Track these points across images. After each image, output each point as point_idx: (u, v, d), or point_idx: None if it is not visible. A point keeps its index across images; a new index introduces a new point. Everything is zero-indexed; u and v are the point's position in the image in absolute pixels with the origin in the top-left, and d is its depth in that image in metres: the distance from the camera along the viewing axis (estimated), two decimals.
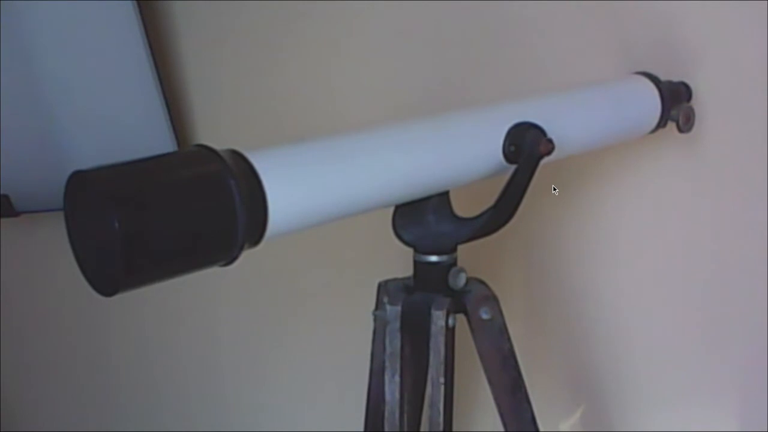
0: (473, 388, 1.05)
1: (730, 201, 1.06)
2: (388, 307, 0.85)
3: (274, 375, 1.53)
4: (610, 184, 1.14)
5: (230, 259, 0.66)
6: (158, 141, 1.37)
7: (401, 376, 0.85)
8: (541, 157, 0.81)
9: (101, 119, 1.41)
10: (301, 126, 1.31)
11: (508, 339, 0.86)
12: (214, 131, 1.45)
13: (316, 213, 0.72)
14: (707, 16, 1.02)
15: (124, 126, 1.40)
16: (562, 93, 0.92)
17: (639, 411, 1.18)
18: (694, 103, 1.01)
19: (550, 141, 0.81)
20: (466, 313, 0.85)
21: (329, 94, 1.35)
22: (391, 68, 1.28)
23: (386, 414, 0.85)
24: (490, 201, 0.82)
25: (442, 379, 0.82)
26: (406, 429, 0.86)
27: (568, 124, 0.87)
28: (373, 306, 0.89)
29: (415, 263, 0.86)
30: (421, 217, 0.84)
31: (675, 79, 1.00)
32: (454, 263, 0.85)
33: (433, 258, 0.84)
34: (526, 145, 0.81)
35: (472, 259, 0.88)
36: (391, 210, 0.84)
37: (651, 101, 0.97)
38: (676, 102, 0.98)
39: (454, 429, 0.86)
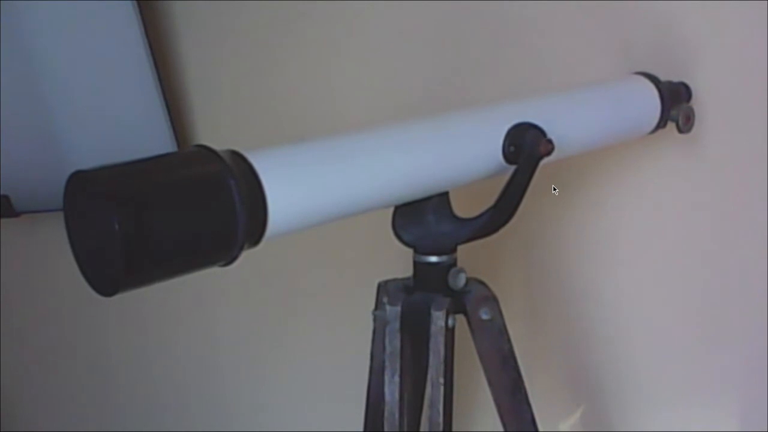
0: (473, 388, 1.05)
1: (730, 201, 1.06)
2: (387, 307, 0.85)
3: (274, 375, 1.53)
4: (610, 184, 1.14)
5: (230, 259, 0.66)
6: (158, 141, 1.37)
7: (401, 377, 0.84)
8: (541, 157, 0.81)
9: (101, 119, 1.41)
10: (301, 126, 1.31)
11: (508, 339, 0.86)
12: (213, 131, 1.45)
13: (316, 213, 0.72)
14: (707, 16, 1.02)
15: (124, 126, 1.40)
16: (562, 93, 0.92)
17: (639, 411, 1.18)
18: (694, 103, 1.01)
19: (550, 141, 0.81)
20: (465, 314, 0.85)
21: (329, 94, 1.35)
22: (391, 68, 1.28)
23: (386, 414, 0.85)
24: (489, 201, 0.82)
25: (441, 380, 0.82)
26: (405, 429, 0.86)
27: (568, 124, 0.87)
28: (372, 306, 0.89)
29: (415, 263, 0.86)
30: (421, 218, 0.84)
31: (675, 79, 1.00)
32: (453, 263, 0.85)
33: (433, 258, 0.84)
34: (526, 146, 0.81)
35: (472, 259, 0.88)
36: (391, 210, 0.84)
37: (651, 101, 0.97)
38: (675, 102, 0.98)
39: (453, 429, 0.86)
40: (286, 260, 1.39)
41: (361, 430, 0.94)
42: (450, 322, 0.82)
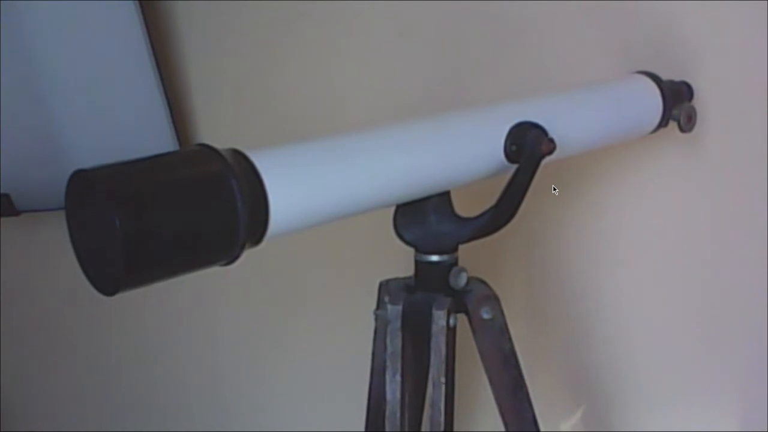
0: (474, 387, 1.05)
1: (730, 201, 1.06)
2: (389, 306, 0.85)
3: (274, 375, 1.53)
4: (611, 184, 1.14)
5: (231, 259, 0.66)
6: (160, 140, 1.37)
7: (402, 376, 0.85)
8: (543, 156, 0.81)
9: (103, 119, 1.41)
10: (301, 126, 1.31)
11: (509, 339, 0.86)
12: (215, 131, 1.45)
13: (318, 212, 0.72)
14: (708, 15, 1.02)
15: (125, 125, 1.40)
16: (563, 93, 0.92)
17: (639, 411, 1.18)
18: (696, 102, 1.01)
19: (552, 141, 0.81)
20: (467, 313, 0.85)
21: (329, 94, 1.35)
22: (391, 68, 1.28)
23: (387, 414, 0.85)
24: (491, 201, 0.82)
25: (443, 379, 0.82)
26: (407, 429, 0.86)
27: (569, 123, 0.87)
28: (373, 305, 0.89)
29: (416, 263, 0.86)
30: (422, 217, 0.84)
31: (676, 78, 1.00)
32: (455, 263, 0.85)
33: (434, 258, 0.84)
34: (528, 145, 0.81)
35: (473, 258, 0.88)
36: (392, 210, 0.84)
37: (652, 101, 0.97)
38: (677, 101, 0.98)
39: (455, 429, 0.86)
40: (287, 260, 1.39)
41: (363, 429, 0.94)
42: (451, 321, 0.82)
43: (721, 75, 1.02)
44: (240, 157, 0.66)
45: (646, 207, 1.12)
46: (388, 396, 0.85)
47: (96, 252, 0.61)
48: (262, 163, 0.66)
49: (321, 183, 0.72)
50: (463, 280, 0.85)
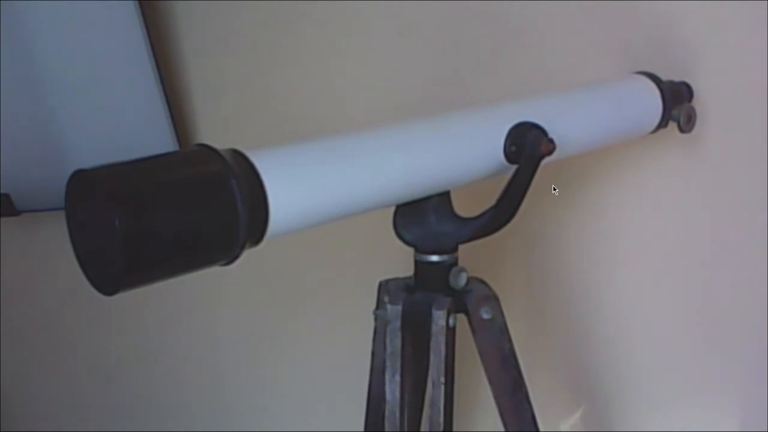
0: (474, 387, 1.05)
1: (730, 201, 1.06)
2: (388, 306, 0.85)
3: (274, 375, 1.53)
4: (611, 184, 1.14)
5: (231, 259, 0.66)
6: (159, 140, 1.37)
7: (402, 376, 0.85)
8: (543, 157, 0.81)
9: (102, 119, 1.41)
10: (301, 126, 1.31)
11: (509, 339, 0.86)
12: (215, 131, 1.45)
13: (317, 212, 0.72)
14: (708, 16, 1.02)
15: (125, 126, 1.40)
16: (563, 93, 0.92)
17: (639, 411, 1.18)
18: (696, 103, 1.01)
19: (552, 141, 0.81)
20: (466, 313, 0.85)
21: (329, 94, 1.35)
22: (391, 68, 1.28)
23: (387, 413, 0.85)
24: (490, 201, 0.82)
25: (442, 379, 0.82)
26: (406, 429, 0.86)
27: (569, 124, 0.87)
28: (373, 305, 0.89)
29: (416, 263, 0.86)
30: (422, 217, 0.84)
31: (676, 79, 1.00)
32: (455, 263, 0.85)
33: (434, 258, 0.84)
34: (527, 145, 0.81)
35: (473, 258, 0.88)
36: (392, 210, 0.84)
37: (652, 101, 0.97)
38: (677, 102, 0.98)
39: (454, 429, 0.86)
40: (287, 260, 1.39)
41: (362, 429, 0.94)
42: (451, 321, 0.82)
43: (721, 75, 1.02)
44: (240, 157, 0.66)
45: (646, 207, 1.12)
46: (388, 396, 0.85)
47: (96, 252, 0.61)
48: (262, 163, 0.66)
49: (321, 183, 0.72)
50: (462, 280, 0.85)
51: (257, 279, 1.43)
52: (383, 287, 0.89)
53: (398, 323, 0.84)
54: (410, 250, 0.86)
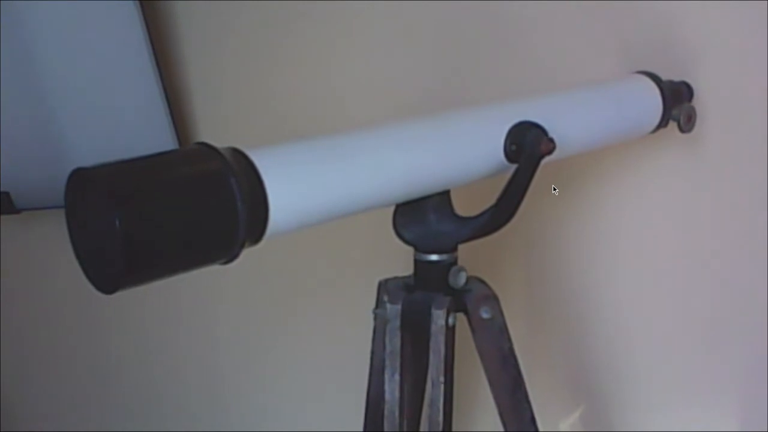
0: (473, 387, 1.05)
1: (730, 201, 1.06)
2: (388, 305, 0.85)
3: (274, 375, 1.53)
4: (611, 184, 1.14)
5: (231, 258, 0.66)
6: (159, 139, 1.37)
7: (401, 375, 0.84)
8: (543, 156, 0.81)
9: (103, 118, 1.41)
10: (301, 125, 1.31)
11: (508, 338, 0.86)
12: (215, 130, 1.45)
13: (317, 211, 0.72)
14: (708, 16, 1.02)
15: (125, 124, 1.40)
16: (563, 93, 0.92)
17: (639, 411, 1.18)
18: (696, 102, 1.01)
19: (552, 140, 0.81)
20: (466, 312, 0.85)
21: (329, 93, 1.35)
22: (391, 68, 1.28)
23: (386, 413, 0.85)
24: (490, 200, 0.82)
25: (442, 378, 0.82)
26: (405, 428, 0.86)
27: (569, 123, 0.87)
28: (373, 305, 0.89)
29: (416, 262, 0.86)
30: (422, 216, 0.84)
31: (676, 78, 1.00)
32: (454, 262, 0.85)
33: (434, 257, 0.84)
34: (527, 145, 0.81)
35: (473, 258, 0.88)
36: (392, 209, 0.84)
37: (652, 101, 0.97)
38: (677, 101, 0.98)
39: (453, 428, 0.86)
40: (287, 259, 1.39)
41: (361, 429, 0.94)
42: (450, 320, 0.82)
43: (721, 75, 1.02)
44: (239, 155, 0.66)
45: (646, 207, 1.12)
46: (387, 395, 0.85)
47: (95, 250, 0.61)
48: (262, 161, 0.66)
49: (320, 182, 0.72)
50: (462, 279, 0.84)
51: (257, 278, 1.43)
52: (383, 286, 0.89)
53: (398, 322, 0.84)
54: (410, 250, 0.86)
